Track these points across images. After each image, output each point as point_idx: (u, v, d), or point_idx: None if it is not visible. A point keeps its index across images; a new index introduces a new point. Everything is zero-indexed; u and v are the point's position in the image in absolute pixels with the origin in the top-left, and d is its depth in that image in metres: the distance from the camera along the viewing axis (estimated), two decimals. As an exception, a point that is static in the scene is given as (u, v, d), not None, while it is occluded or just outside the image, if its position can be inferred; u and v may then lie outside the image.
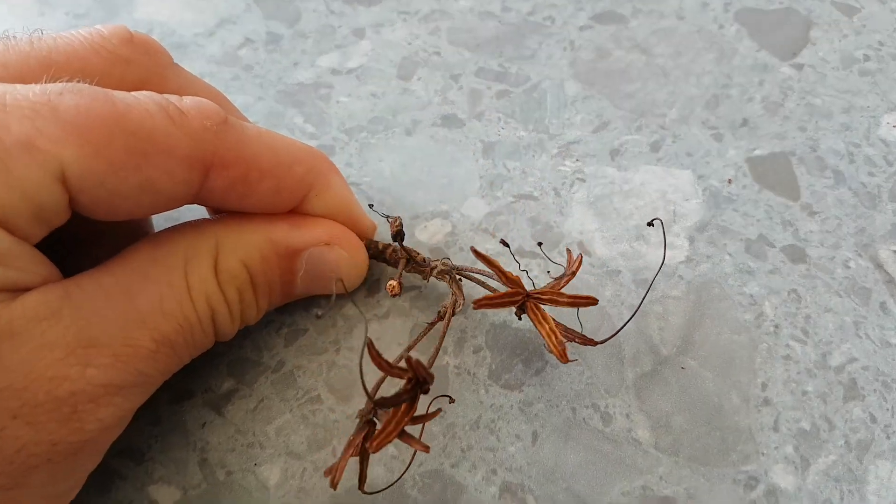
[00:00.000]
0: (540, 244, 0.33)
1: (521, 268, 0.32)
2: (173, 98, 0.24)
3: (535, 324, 0.27)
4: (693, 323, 0.32)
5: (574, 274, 0.29)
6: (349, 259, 0.30)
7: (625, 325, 0.30)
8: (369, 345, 0.22)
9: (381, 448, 0.22)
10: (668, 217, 0.35)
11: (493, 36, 0.45)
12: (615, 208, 0.36)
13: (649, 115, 0.40)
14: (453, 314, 0.28)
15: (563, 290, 0.28)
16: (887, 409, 0.29)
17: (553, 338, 0.26)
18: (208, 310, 0.26)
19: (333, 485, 0.23)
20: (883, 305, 0.32)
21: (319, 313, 0.32)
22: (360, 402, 0.30)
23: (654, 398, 0.30)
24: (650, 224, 0.28)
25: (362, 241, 0.31)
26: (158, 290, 0.24)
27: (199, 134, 0.23)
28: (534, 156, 0.38)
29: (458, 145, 0.39)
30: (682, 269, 0.33)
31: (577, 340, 0.28)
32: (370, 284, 0.34)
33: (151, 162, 0.22)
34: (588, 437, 0.29)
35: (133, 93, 0.23)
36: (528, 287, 0.28)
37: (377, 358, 0.23)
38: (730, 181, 0.36)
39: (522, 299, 0.27)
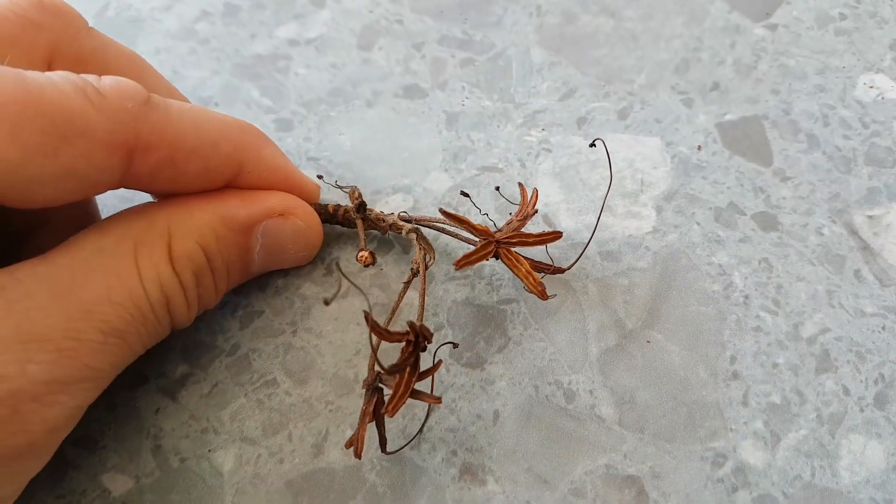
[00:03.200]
0: (497, 188, 0.32)
1: (483, 213, 0.32)
2: (91, 78, 0.22)
3: (510, 268, 0.27)
4: (659, 295, 0.31)
5: (535, 211, 0.28)
6: (305, 228, 0.29)
7: (584, 248, 0.30)
8: (367, 316, 0.22)
9: (396, 411, 0.23)
10: (636, 187, 0.34)
11: (457, 2, 0.43)
12: (581, 179, 0.35)
13: (617, 82, 0.38)
14: (426, 267, 0.27)
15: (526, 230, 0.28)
16: (861, 381, 0.28)
17: (531, 278, 0.26)
18: (162, 297, 0.24)
19: (358, 454, 0.24)
20: (857, 273, 0.31)
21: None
22: (317, 385, 0.29)
23: (618, 373, 0.29)
24: (592, 145, 0.30)
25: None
26: (106, 280, 0.23)
27: (120, 116, 0.22)
28: (499, 126, 0.37)
29: (420, 117, 0.38)
30: (648, 240, 0.32)
31: (548, 271, 0.29)
32: (328, 263, 0.33)
33: (69, 146, 0.21)
34: (550, 414, 0.28)
35: (47, 73, 0.21)
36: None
37: (376, 328, 0.22)
38: (699, 148, 0.35)
39: (494, 248, 0.27)
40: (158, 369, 0.30)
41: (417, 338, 0.23)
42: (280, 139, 0.37)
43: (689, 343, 0.29)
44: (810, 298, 0.30)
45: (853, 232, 0.32)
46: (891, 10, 0.40)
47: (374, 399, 0.25)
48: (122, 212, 0.26)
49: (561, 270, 0.30)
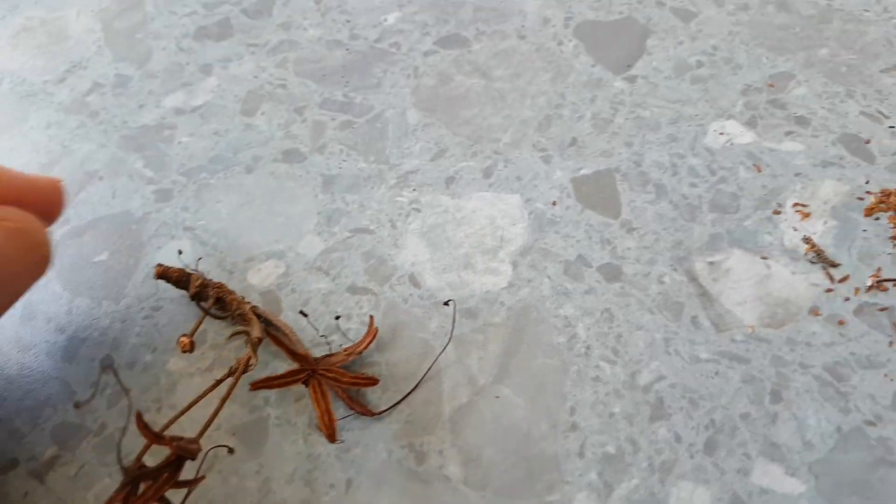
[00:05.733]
0: (337, 317, 0.34)
1: (322, 335, 0.33)
2: None
3: (312, 400, 0.28)
4: (510, 350, 0.32)
5: (367, 345, 0.30)
6: (20, 229, 0.27)
7: (407, 395, 0.31)
8: (137, 416, 0.22)
9: None
10: (495, 243, 0.36)
11: (340, 65, 0.45)
12: (447, 237, 0.36)
13: (484, 141, 0.40)
14: (244, 372, 0.29)
15: (359, 352, 0.30)
16: (692, 428, 0.30)
17: (325, 419, 0.28)
18: None
19: None
20: (694, 320, 0.33)
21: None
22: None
23: (468, 431, 0.30)
24: (446, 304, 0.32)
25: (52, 205, 0.30)
26: None
27: None
28: (373, 188, 0.39)
29: (298, 181, 0.39)
30: (504, 296, 0.34)
31: (357, 410, 0.30)
32: (197, 336, 0.34)
33: None
34: (401, 479, 0.30)
35: None
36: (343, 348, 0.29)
37: (143, 429, 0.23)
38: (554, 203, 0.37)
39: (306, 376, 0.28)
40: (29, 452, 0.31)
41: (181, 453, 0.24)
42: (159, 210, 0.39)
43: (534, 396, 0.31)
44: (648, 346, 0.32)
45: (693, 279, 0.34)
46: (746, 56, 0.43)
47: (126, 491, 0.24)
48: None
49: (370, 414, 0.30)
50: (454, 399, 0.31)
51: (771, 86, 0.41)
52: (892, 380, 0.30)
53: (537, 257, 0.35)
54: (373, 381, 0.29)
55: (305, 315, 0.30)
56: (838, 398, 0.30)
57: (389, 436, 0.30)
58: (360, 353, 0.30)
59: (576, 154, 0.39)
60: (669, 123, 0.40)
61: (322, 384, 0.28)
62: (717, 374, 0.31)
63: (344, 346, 0.31)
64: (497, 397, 0.31)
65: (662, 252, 0.35)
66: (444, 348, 0.32)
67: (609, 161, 0.38)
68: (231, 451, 0.30)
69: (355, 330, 0.33)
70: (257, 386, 0.27)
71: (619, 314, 0.33)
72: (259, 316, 0.32)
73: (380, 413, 0.31)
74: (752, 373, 0.31)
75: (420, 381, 0.31)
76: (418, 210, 0.38)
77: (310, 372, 0.28)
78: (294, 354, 0.28)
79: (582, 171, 0.38)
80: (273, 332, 0.31)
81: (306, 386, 0.29)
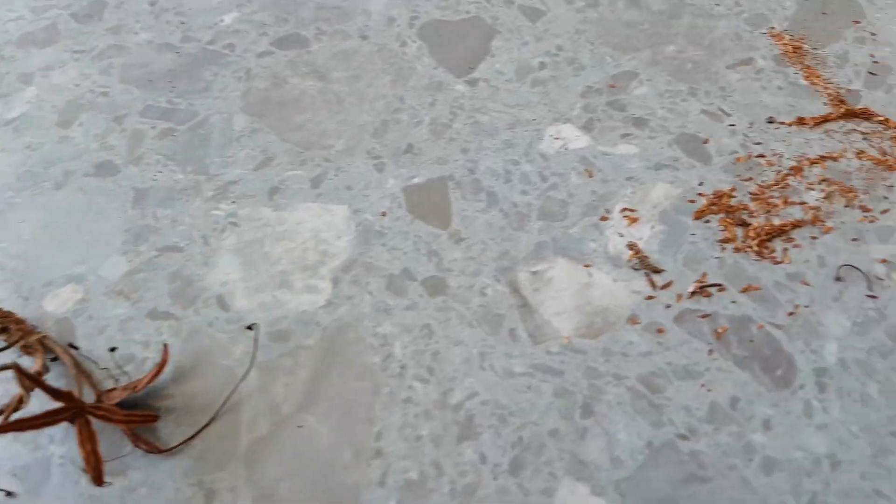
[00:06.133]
0: (112, 349, 0.31)
1: (114, 369, 0.30)
2: None
3: (77, 441, 0.25)
4: (321, 373, 0.30)
5: (151, 379, 0.27)
6: None
7: (200, 430, 0.29)
8: None
9: None
10: (317, 259, 0.34)
11: (169, 69, 0.42)
12: (265, 253, 0.34)
13: (315, 148, 0.38)
14: (15, 410, 0.26)
15: (142, 385, 0.28)
16: (499, 447, 0.28)
17: (91, 460, 0.25)
18: None
19: None
20: (513, 332, 0.31)
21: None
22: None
23: (265, 465, 0.28)
24: (249, 327, 0.30)
25: None
26: None
27: None
28: (187, 201, 0.36)
29: (108, 196, 0.37)
30: (320, 315, 0.32)
31: (143, 447, 0.27)
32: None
33: None
34: (186, 518, 0.27)
35: None
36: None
37: None
38: (384, 214, 0.35)
39: (71, 415, 0.25)
40: None
41: None
42: (-49, 233, 0.35)
43: (340, 423, 0.29)
44: (464, 362, 0.31)
45: (515, 290, 0.33)
46: (590, 55, 0.42)
47: None
48: None
49: (157, 451, 0.28)
50: (253, 431, 0.29)
51: (612, 86, 0.40)
52: (709, 390, 0.30)
53: (360, 272, 0.33)
54: (150, 419, 0.27)
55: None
56: (651, 411, 0.29)
57: (179, 473, 0.28)
58: (140, 388, 0.27)
59: (410, 161, 0.37)
60: (507, 129, 0.38)
61: (89, 424, 0.26)
62: (529, 388, 0.30)
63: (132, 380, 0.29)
64: (300, 427, 0.29)
65: (488, 263, 0.33)
66: (244, 377, 0.30)
67: (443, 168, 0.37)
68: (9, 494, 0.27)
69: (153, 360, 0.31)
70: (5, 429, 0.24)
71: (439, 329, 0.31)
72: (47, 347, 0.30)
73: (169, 450, 0.28)
74: (565, 386, 0.30)
75: (216, 414, 0.29)
76: (235, 224, 0.35)
77: (75, 410, 0.26)
78: (55, 393, 0.26)
79: (415, 180, 0.36)
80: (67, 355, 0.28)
81: (71, 423, 0.26)
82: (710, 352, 0.31)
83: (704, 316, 0.32)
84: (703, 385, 0.30)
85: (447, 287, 0.33)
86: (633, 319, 0.31)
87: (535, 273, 0.33)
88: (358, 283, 0.33)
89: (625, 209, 0.35)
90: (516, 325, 0.32)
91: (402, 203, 0.36)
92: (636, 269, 0.33)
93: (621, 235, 0.34)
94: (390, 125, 0.39)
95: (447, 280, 0.33)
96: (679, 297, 0.32)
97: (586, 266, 0.33)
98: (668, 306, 0.32)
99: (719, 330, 0.31)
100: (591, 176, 0.36)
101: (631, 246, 0.34)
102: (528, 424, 0.29)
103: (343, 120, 0.39)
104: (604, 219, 0.35)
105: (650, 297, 0.32)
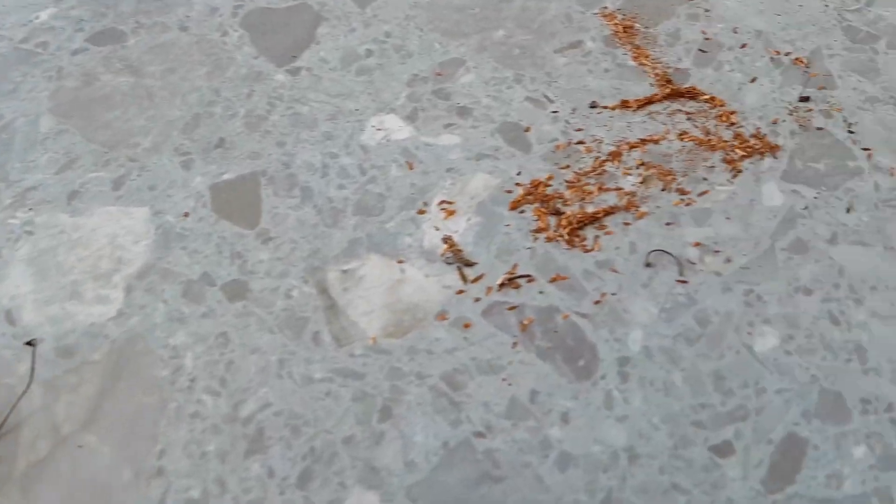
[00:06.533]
0: None
1: None
2: None
3: None
4: (106, 390, 0.29)
5: None
6: None
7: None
8: None
9: None
10: (112, 266, 0.32)
11: (-32, 67, 0.39)
12: (58, 262, 0.32)
13: (121, 147, 0.36)
14: None
15: None
16: (289, 459, 0.27)
17: None
18: None
19: None
20: (316, 336, 0.30)
21: None
22: None
23: (42, 490, 0.26)
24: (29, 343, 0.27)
25: None
26: None
27: None
28: (-23, 211, 0.33)
29: None
30: (109, 327, 0.30)
31: None
32: None
33: None
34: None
35: None
36: None
37: None
38: (186, 214, 0.33)
39: None
40: None
41: None
42: None
43: (123, 441, 0.27)
44: (260, 371, 0.29)
45: (324, 290, 0.31)
46: (419, 42, 0.41)
47: None
48: None
49: None
50: (32, 453, 0.27)
51: (439, 74, 0.39)
52: (509, 384, 0.29)
53: (156, 279, 0.31)
54: None
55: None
56: (451, 409, 0.28)
57: (-62, 509, 0.26)
58: None
59: (221, 157, 0.35)
60: (327, 120, 0.37)
61: None
62: (328, 394, 0.29)
63: None
64: (80, 447, 0.27)
65: (297, 263, 0.32)
66: (21, 396, 0.28)
67: (256, 163, 0.35)
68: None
69: (-84, 384, 0.28)
70: None
71: (236, 337, 0.30)
72: None
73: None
74: (366, 389, 0.29)
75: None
76: (31, 233, 0.33)
77: None
78: None
79: (225, 177, 0.35)
80: None
81: None
82: (515, 344, 0.30)
83: (512, 308, 0.31)
84: (504, 379, 0.29)
85: (249, 291, 0.31)
86: (441, 315, 0.31)
87: (345, 272, 0.32)
88: (152, 291, 0.31)
89: (443, 202, 0.34)
90: (321, 328, 0.30)
91: (207, 202, 0.34)
92: (449, 263, 0.32)
93: (437, 229, 0.33)
94: (202, 119, 0.37)
95: (250, 283, 0.31)
96: (489, 290, 0.32)
97: (400, 262, 0.32)
98: (478, 300, 0.31)
99: (525, 322, 0.31)
100: (411, 168, 0.35)
101: (446, 239, 0.33)
102: (322, 433, 0.28)
103: (152, 116, 0.37)
104: (421, 212, 0.34)
105: (460, 292, 0.31)
